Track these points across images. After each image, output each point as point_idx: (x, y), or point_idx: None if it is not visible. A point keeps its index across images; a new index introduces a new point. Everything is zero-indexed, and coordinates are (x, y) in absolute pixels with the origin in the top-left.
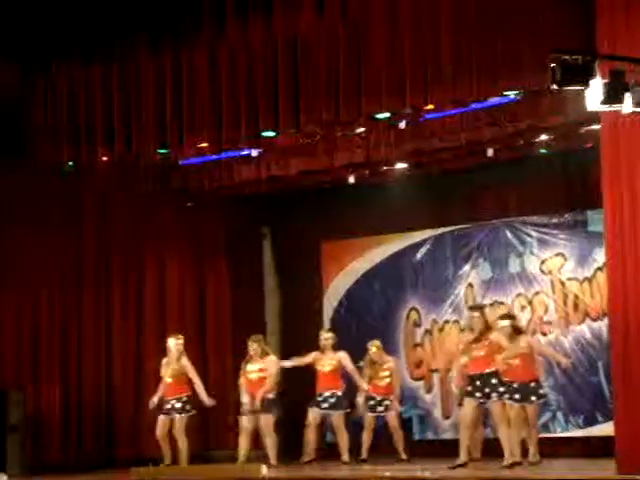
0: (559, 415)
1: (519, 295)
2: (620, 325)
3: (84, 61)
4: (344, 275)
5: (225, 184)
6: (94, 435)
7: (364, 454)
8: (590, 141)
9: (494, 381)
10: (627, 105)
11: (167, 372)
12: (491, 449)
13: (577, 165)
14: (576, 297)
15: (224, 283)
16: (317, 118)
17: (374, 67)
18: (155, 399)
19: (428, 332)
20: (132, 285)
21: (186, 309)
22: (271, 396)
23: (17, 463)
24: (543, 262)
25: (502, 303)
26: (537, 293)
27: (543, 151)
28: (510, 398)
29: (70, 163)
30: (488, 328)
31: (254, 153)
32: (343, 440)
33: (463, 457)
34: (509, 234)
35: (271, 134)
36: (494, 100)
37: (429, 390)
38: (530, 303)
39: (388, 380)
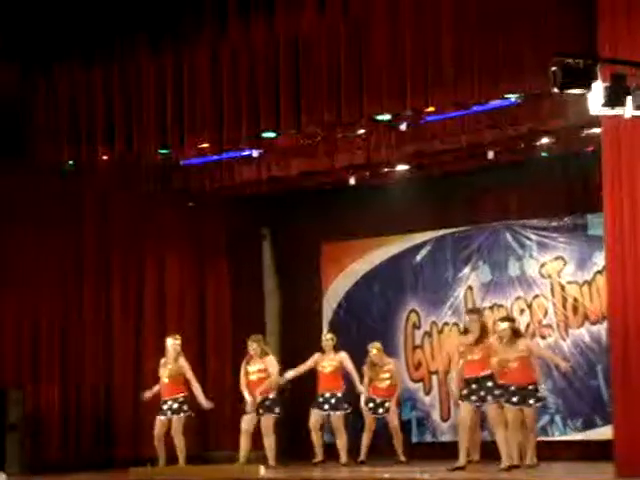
0: (558, 418)
1: (518, 298)
2: (619, 329)
3: (85, 61)
4: (344, 277)
5: (226, 184)
6: (93, 434)
7: (363, 456)
8: (591, 145)
9: (490, 384)
10: (628, 109)
11: (164, 372)
12: (489, 452)
13: (577, 168)
14: (575, 300)
15: (224, 283)
16: (318, 119)
17: (375, 69)
18: (148, 393)
19: (427, 334)
20: (132, 285)
21: (186, 309)
22: (272, 396)
23: (16, 462)
24: (543, 265)
25: (501, 306)
26: (536, 296)
27: (544, 154)
28: (508, 401)
29: (70, 162)
30: (486, 331)
31: (255, 154)
32: (342, 441)
33: (462, 460)
34: (509, 237)
35: (272, 135)
36: (495, 103)
37: (428, 392)
38: (529, 306)
39: (388, 382)
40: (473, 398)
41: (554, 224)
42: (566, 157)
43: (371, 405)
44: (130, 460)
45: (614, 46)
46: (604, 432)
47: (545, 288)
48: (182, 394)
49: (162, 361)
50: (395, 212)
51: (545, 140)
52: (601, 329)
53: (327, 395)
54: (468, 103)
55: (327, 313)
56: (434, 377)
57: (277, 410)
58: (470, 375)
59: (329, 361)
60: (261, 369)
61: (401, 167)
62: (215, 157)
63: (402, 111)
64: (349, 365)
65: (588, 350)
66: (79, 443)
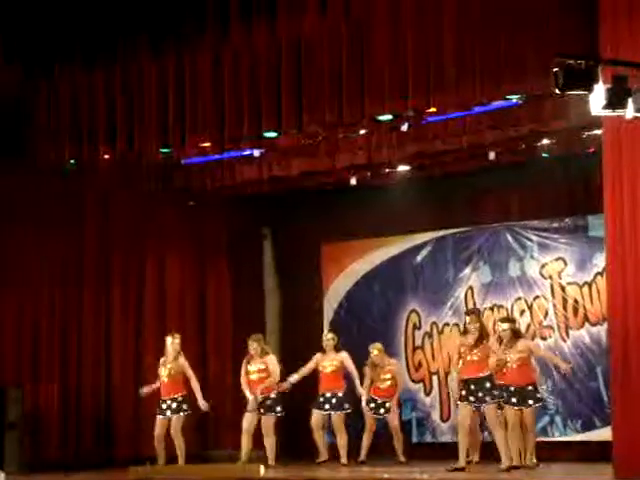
0: (557, 419)
1: (519, 299)
2: (619, 330)
3: (87, 62)
4: (344, 277)
5: (227, 184)
6: (93, 433)
7: (363, 456)
8: (592, 146)
9: (488, 385)
10: (629, 110)
11: (164, 371)
12: (489, 452)
13: (579, 170)
14: (576, 302)
15: (225, 283)
16: (320, 119)
17: (377, 69)
18: (147, 389)
19: (428, 335)
20: (133, 284)
21: (186, 308)
22: (273, 395)
23: (15, 460)
24: (543, 266)
25: (502, 307)
26: (537, 297)
27: (545, 155)
28: (507, 402)
29: (72, 161)
30: (485, 332)
31: (256, 153)
32: (342, 441)
33: (462, 461)
34: (510, 238)
35: (273, 135)
36: (497, 104)
37: (428, 393)
38: (530, 307)
39: (390, 383)
40: (471, 399)
41: (555, 225)
42: (567, 158)
43: (372, 405)
44: (130, 459)
45: (615, 47)
46: (603, 433)
47: (545, 289)
48: (181, 393)
49: (161, 360)
50: (396, 212)
51: (546, 141)
52: (601, 330)
53: (328, 395)
54: (470, 104)
55: (328, 313)
56: (434, 378)
57: (278, 409)
58: (469, 376)
59: (330, 361)
60: (261, 368)
61: (402, 167)
62: (216, 156)
63: (403, 111)
64: (350, 365)
65: (588, 351)
66: (78, 442)
